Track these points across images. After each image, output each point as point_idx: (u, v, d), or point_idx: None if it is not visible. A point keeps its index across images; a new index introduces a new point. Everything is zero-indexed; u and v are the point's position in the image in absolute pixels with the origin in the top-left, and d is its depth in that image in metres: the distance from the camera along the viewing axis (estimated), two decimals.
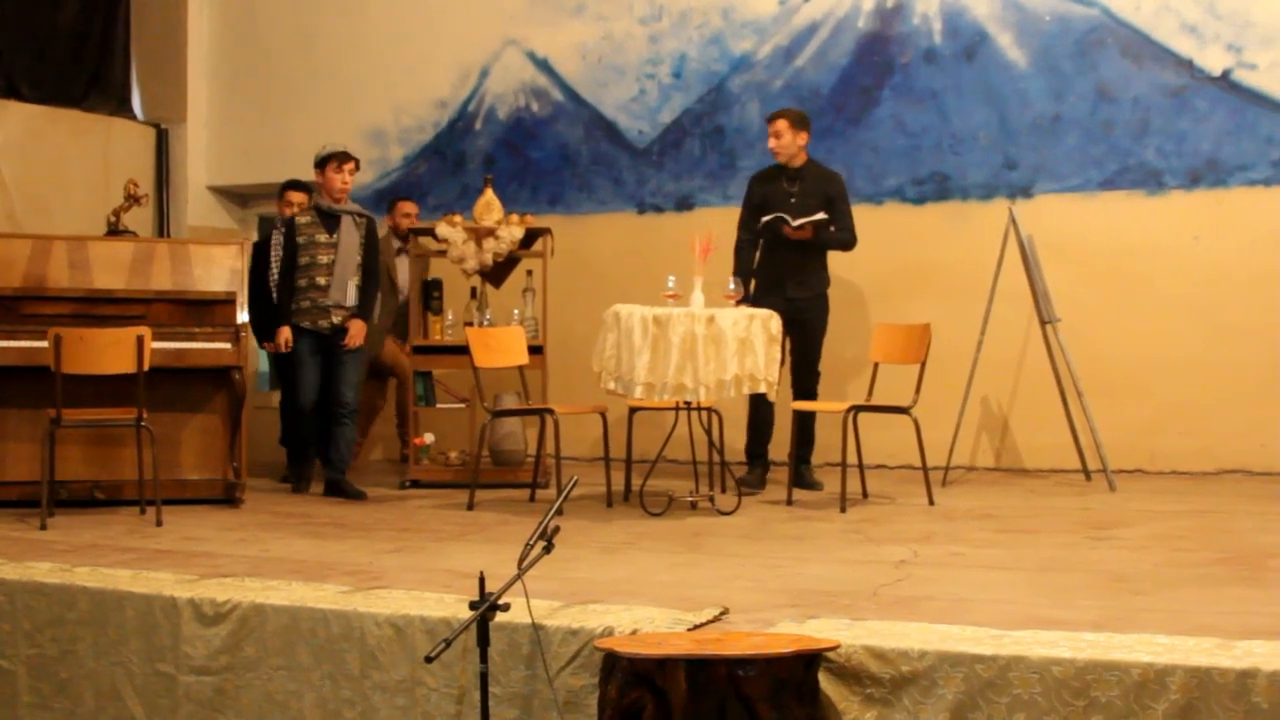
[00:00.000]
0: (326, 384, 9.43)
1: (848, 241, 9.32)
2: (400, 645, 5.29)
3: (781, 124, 9.26)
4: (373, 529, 7.93)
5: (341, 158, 9.34)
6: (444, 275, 10.36)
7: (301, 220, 9.39)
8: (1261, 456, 9.62)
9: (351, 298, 9.39)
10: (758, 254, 9.36)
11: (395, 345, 10.88)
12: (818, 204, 9.14)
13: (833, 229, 9.16)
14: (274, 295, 9.57)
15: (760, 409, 9.27)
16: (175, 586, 5.93)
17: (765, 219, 9.11)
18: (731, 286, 8.32)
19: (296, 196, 10.01)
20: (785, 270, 9.17)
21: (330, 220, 9.36)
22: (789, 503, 8.62)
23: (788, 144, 9.23)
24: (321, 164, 9.36)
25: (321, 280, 9.30)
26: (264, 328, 9.85)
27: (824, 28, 10.84)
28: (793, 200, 9.17)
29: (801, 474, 9.20)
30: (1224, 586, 5.84)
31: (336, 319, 9.34)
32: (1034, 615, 5.09)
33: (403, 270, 10.90)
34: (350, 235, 9.37)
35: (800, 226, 8.99)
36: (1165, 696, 4.19)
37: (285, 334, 9.31)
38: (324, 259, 9.31)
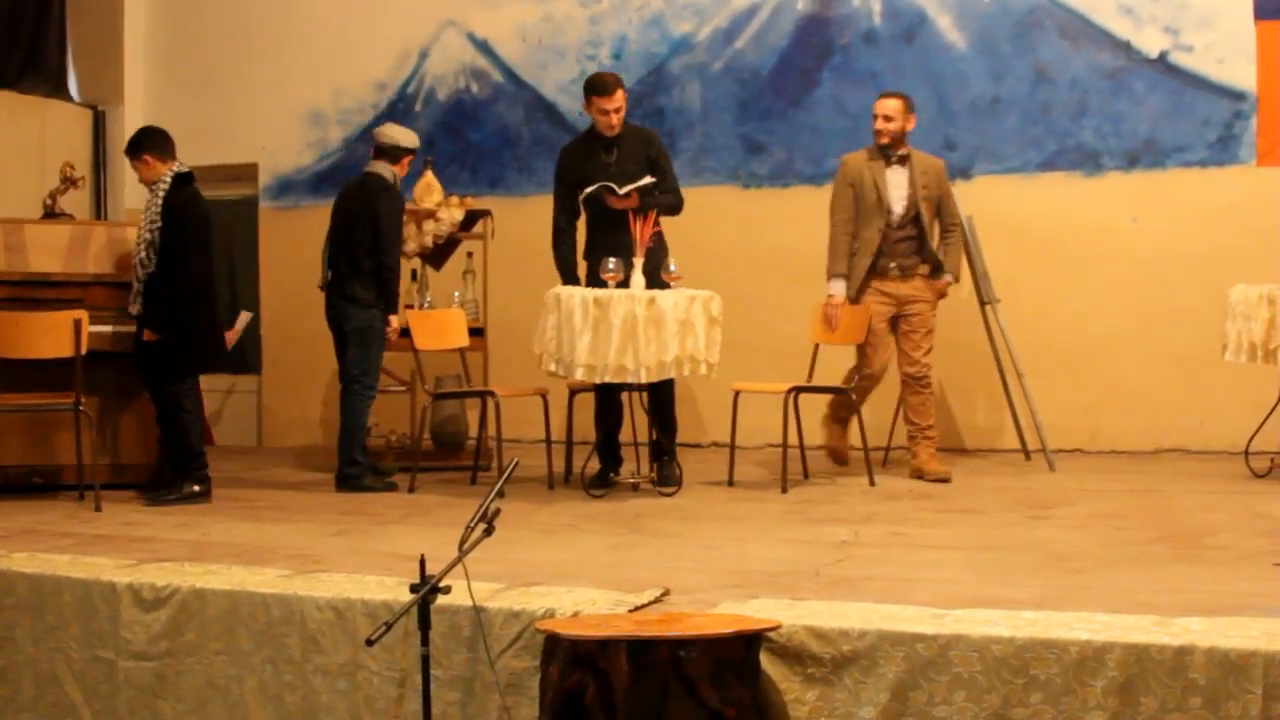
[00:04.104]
0: None
1: (674, 205, 8.72)
2: (341, 629, 5.28)
3: (621, 95, 8.64)
4: (313, 512, 7.90)
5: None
6: None
7: None
8: (1199, 435, 9.70)
9: None
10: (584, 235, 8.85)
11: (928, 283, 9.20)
12: (639, 169, 8.53)
13: (657, 192, 8.58)
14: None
15: (610, 394, 8.57)
16: (114, 571, 5.89)
17: (587, 191, 8.58)
18: (673, 268, 8.23)
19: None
20: (616, 247, 8.27)
21: None
22: (730, 483, 8.64)
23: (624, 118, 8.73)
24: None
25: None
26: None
27: (763, 9, 10.84)
28: (611, 169, 8.61)
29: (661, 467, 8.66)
30: (1163, 564, 5.89)
31: None
32: (974, 594, 5.13)
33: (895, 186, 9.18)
34: None
35: (626, 194, 8.44)
36: (1104, 674, 4.23)
37: None
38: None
